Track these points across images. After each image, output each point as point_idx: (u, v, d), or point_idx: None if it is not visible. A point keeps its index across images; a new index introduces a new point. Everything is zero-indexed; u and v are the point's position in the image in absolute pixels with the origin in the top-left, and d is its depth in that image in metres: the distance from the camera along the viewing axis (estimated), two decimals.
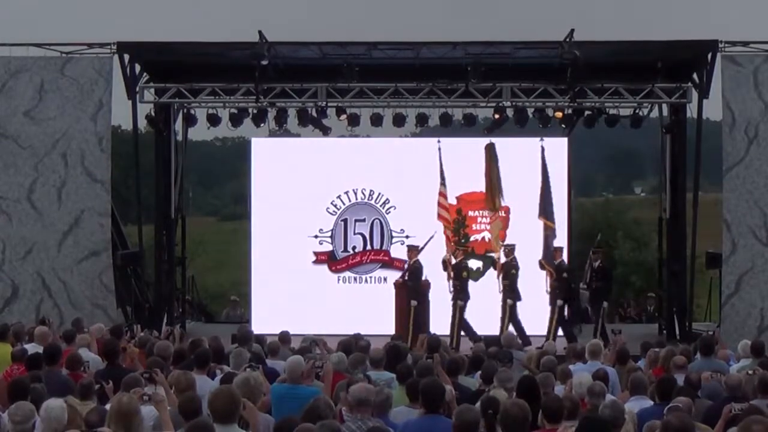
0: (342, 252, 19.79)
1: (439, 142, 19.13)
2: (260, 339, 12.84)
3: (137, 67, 18.65)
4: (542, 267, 18.29)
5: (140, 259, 19.80)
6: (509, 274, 17.98)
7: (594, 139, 40.17)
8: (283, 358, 10.69)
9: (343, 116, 19.37)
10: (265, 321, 18.35)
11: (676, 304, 18.94)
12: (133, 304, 19.45)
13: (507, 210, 19.58)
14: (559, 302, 17.83)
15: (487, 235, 19.53)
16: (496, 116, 19.15)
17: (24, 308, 18.02)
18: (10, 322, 13.95)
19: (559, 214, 19.45)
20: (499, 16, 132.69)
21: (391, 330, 17.47)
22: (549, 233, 18.48)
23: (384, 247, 19.65)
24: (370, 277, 19.45)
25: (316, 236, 19.73)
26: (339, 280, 19.72)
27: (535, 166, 19.14)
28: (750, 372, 9.77)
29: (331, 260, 19.77)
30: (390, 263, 19.42)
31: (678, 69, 18.61)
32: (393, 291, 18.15)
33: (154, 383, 8.48)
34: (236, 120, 19.36)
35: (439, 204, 18.72)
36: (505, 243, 18.55)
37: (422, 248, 18.13)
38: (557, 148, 19.70)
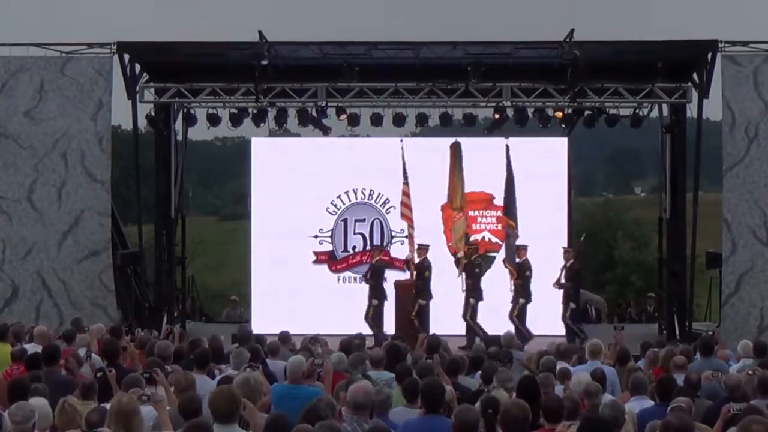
0: (342, 252, 19.80)
1: (401, 141, 19.12)
2: (260, 339, 12.83)
3: (137, 67, 18.66)
4: (505, 266, 18.35)
5: (140, 259, 19.80)
6: (473, 273, 18.02)
7: (594, 139, 40.19)
8: (284, 358, 10.68)
9: (343, 116, 19.38)
10: (265, 321, 18.37)
11: (676, 304, 18.95)
12: (133, 304, 19.46)
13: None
14: (521, 301, 17.83)
15: (487, 234, 19.54)
16: (496, 116, 19.17)
17: (24, 308, 18.03)
18: (10, 322, 13.93)
19: (559, 214, 19.51)
20: (499, 16, 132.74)
21: (391, 330, 17.52)
22: (511, 232, 18.47)
23: (384, 247, 19.62)
24: None
25: (316, 236, 19.74)
26: (339, 280, 19.72)
27: (533, 166, 19.21)
28: (750, 372, 9.76)
29: (331, 260, 19.78)
30: (390, 263, 19.38)
31: (678, 69, 18.62)
32: (393, 291, 18.16)
33: (155, 384, 8.48)
34: (236, 120, 19.37)
35: (402, 203, 18.74)
36: (469, 243, 18.52)
37: (383, 249, 18.67)
38: (557, 148, 19.74)
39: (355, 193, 19.79)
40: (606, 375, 10.10)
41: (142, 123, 19.87)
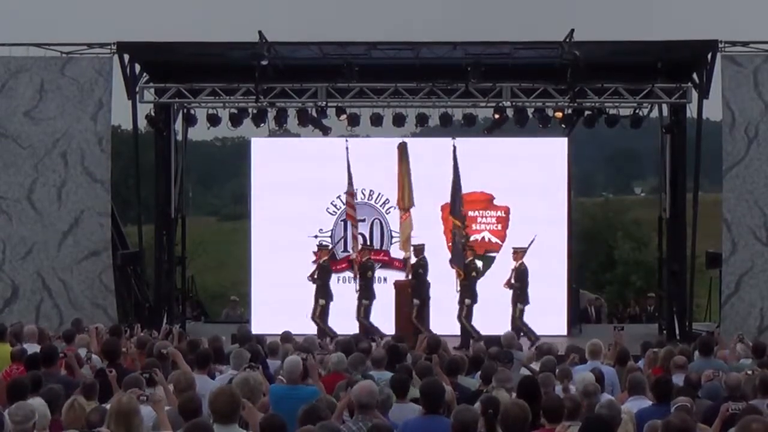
0: (342, 252, 19.76)
1: (347, 141, 19.18)
2: (260, 339, 12.84)
3: (137, 67, 18.67)
4: (451, 267, 18.36)
5: (140, 259, 19.80)
6: (417, 273, 18.07)
7: (594, 139, 40.20)
8: (284, 358, 10.67)
9: (343, 116, 19.38)
10: (265, 321, 18.38)
11: (676, 304, 18.95)
12: (133, 304, 19.45)
13: (507, 210, 19.63)
14: (467, 301, 17.78)
15: (487, 234, 19.55)
16: (496, 116, 19.19)
17: (24, 308, 18.02)
18: (10, 323, 13.93)
19: (559, 213, 19.50)
20: (499, 16, 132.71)
21: (391, 330, 17.49)
22: (457, 232, 18.45)
23: (384, 247, 19.63)
24: None
25: (316, 236, 19.69)
26: (339, 280, 19.67)
27: (533, 167, 19.25)
28: (749, 372, 9.76)
29: (331, 260, 19.72)
30: (390, 263, 19.41)
31: (678, 69, 18.62)
32: (393, 291, 18.16)
33: (154, 384, 8.48)
34: (236, 120, 19.38)
35: (347, 203, 18.87)
36: (414, 243, 18.50)
37: (332, 248, 18.74)
38: (557, 149, 19.74)
39: (355, 193, 19.75)
40: (605, 375, 10.12)
41: (142, 123, 19.91)
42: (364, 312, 17.98)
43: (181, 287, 20.78)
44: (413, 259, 18.27)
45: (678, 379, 9.94)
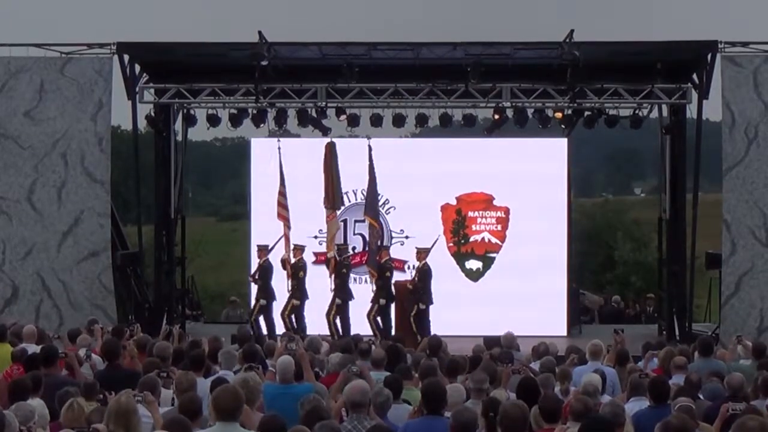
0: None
1: (279, 141, 19.25)
2: (260, 339, 12.85)
3: (137, 68, 18.67)
4: (367, 267, 18.49)
5: (140, 260, 19.80)
6: (340, 273, 18.12)
7: (594, 140, 40.20)
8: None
9: (343, 117, 19.39)
10: None
11: (675, 305, 18.95)
12: (132, 305, 19.45)
13: (507, 211, 19.63)
14: (382, 301, 17.78)
15: (486, 235, 19.54)
16: (496, 117, 19.19)
17: (24, 309, 18.01)
18: (10, 323, 13.94)
19: (559, 214, 19.51)
20: (499, 16, 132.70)
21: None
22: (372, 232, 18.50)
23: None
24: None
25: (315, 236, 19.68)
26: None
27: (533, 167, 19.25)
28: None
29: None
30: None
31: (678, 69, 18.62)
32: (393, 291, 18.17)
33: (171, 383, 8.53)
34: (236, 120, 19.39)
35: (279, 203, 18.87)
36: (338, 243, 18.59)
37: (271, 249, 18.59)
38: (557, 149, 19.74)
39: (355, 194, 19.75)
40: (606, 376, 10.12)
41: (142, 123, 19.91)
42: (296, 312, 18.04)
43: (181, 287, 20.78)
44: (336, 259, 18.19)
45: (678, 380, 9.94)
